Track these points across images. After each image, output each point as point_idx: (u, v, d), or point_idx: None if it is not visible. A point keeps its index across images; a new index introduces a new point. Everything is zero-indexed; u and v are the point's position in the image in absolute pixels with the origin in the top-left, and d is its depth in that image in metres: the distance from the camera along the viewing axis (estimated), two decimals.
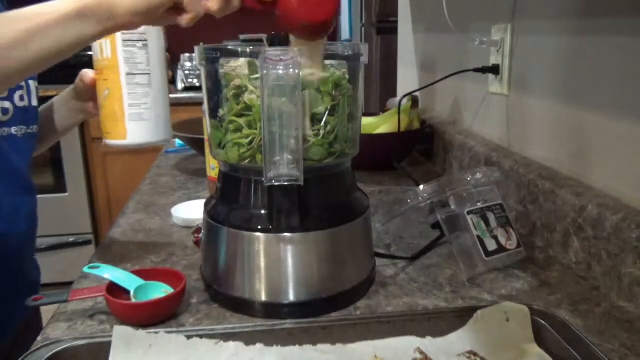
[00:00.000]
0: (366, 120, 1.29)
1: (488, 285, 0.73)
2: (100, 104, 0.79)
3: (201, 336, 0.58)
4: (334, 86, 0.64)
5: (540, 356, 0.57)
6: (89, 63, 0.79)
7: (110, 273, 0.69)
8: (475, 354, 0.59)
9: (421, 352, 0.59)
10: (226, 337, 0.59)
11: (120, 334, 0.57)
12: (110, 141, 0.81)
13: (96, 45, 0.77)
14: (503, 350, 0.58)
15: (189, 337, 0.58)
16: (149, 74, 0.78)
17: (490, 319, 0.60)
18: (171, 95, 1.04)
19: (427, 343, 0.60)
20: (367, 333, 0.60)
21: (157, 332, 0.58)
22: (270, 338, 0.59)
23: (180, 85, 2.90)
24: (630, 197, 0.73)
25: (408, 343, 0.60)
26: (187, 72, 2.89)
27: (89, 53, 0.77)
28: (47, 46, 0.58)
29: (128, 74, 0.77)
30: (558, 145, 0.90)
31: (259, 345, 0.58)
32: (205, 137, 1.02)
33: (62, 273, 2.68)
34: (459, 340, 0.60)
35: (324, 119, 0.64)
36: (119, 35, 0.76)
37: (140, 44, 0.78)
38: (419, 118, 1.32)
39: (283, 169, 0.60)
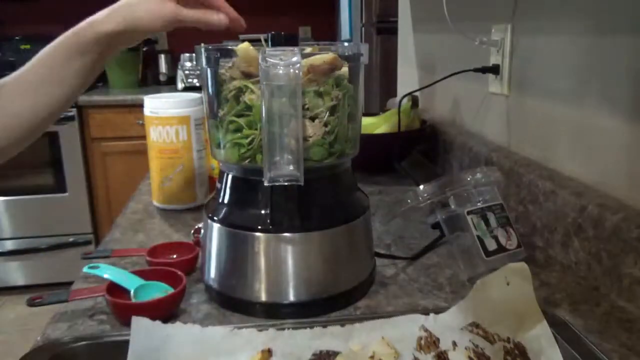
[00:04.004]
0: (366, 120, 1.29)
1: None
2: (172, 178, 1.01)
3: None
4: (334, 86, 0.64)
5: (540, 325, 0.57)
6: None
7: (110, 273, 0.69)
8: (477, 326, 0.59)
9: (425, 330, 0.60)
10: None
11: (139, 324, 0.57)
12: (182, 206, 1.03)
13: (171, 131, 0.98)
14: (503, 318, 0.59)
15: (203, 327, 0.59)
16: (204, 148, 1.03)
17: (490, 286, 0.60)
18: None
19: (431, 320, 0.61)
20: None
21: (173, 323, 0.59)
22: (270, 337, 0.59)
23: (180, 85, 2.90)
24: (629, 197, 0.73)
25: (412, 321, 0.61)
26: (187, 72, 2.89)
27: None
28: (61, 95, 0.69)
29: (198, 150, 1.02)
30: (558, 145, 0.90)
31: (271, 330, 0.59)
32: (206, 137, 1.02)
33: (62, 273, 2.68)
34: (461, 312, 0.61)
35: (324, 119, 0.64)
36: (192, 122, 0.99)
37: (200, 126, 1.02)
38: (419, 118, 1.32)
39: (283, 169, 0.60)
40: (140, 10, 0.67)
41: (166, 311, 0.65)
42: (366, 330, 0.60)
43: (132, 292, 0.67)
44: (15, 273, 2.78)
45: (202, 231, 0.73)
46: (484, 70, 1.09)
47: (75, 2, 3.14)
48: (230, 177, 0.69)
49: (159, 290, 0.68)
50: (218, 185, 0.71)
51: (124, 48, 0.72)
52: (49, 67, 0.67)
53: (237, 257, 0.67)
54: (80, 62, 0.67)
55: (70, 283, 0.76)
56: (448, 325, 0.60)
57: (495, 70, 1.08)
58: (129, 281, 0.68)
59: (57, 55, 0.67)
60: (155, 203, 1.06)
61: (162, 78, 3.15)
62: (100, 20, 0.67)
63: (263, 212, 0.65)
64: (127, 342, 0.56)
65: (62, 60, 0.67)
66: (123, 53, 2.95)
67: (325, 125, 0.64)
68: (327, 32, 3.36)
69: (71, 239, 2.77)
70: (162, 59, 3.14)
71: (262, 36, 0.67)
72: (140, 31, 0.69)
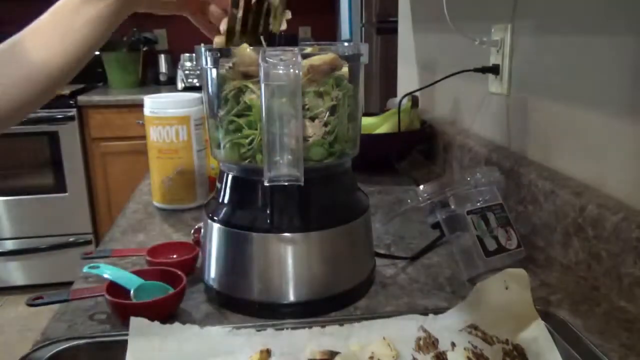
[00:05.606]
0: (366, 120, 1.29)
1: None
2: (172, 178, 1.01)
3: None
4: (334, 86, 0.64)
5: (538, 328, 0.58)
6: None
7: (110, 273, 0.69)
8: (475, 328, 0.59)
9: (424, 330, 0.60)
10: None
11: (137, 325, 0.57)
12: (182, 206, 1.03)
13: (171, 131, 0.98)
14: (502, 321, 0.59)
15: (202, 327, 0.59)
16: (204, 148, 1.04)
17: (489, 290, 0.60)
18: None
19: (430, 320, 0.61)
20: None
21: (171, 324, 0.59)
22: (269, 337, 0.59)
23: (180, 85, 2.90)
24: (629, 197, 0.73)
25: (411, 322, 0.61)
26: (187, 72, 2.89)
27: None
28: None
29: (198, 150, 1.02)
30: (558, 145, 0.90)
31: (270, 330, 0.59)
32: (206, 136, 1.02)
33: (62, 273, 2.68)
34: (460, 314, 0.61)
35: (324, 119, 0.64)
36: (192, 122, 0.99)
37: (200, 126, 1.01)
38: (419, 118, 1.32)
39: (283, 169, 0.60)
40: None
41: (166, 311, 0.65)
42: (365, 330, 0.60)
43: (132, 292, 0.67)
44: (15, 273, 2.78)
45: (202, 231, 0.73)
46: (484, 70, 1.09)
47: None
48: (230, 177, 0.69)
49: (159, 290, 0.68)
50: (218, 185, 0.71)
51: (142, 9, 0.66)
52: (60, 16, 0.59)
53: (237, 257, 0.67)
54: (92, 11, 0.59)
55: (70, 283, 0.76)
56: (447, 326, 0.60)
57: (495, 70, 1.08)
58: (129, 281, 0.68)
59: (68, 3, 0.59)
60: (155, 203, 1.06)
61: (162, 78, 3.15)
62: None
63: (263, 212, 0.65)
64: (127, 342, 0.56)
65: (70, 11, 0.59)
66: (123, 53, 2.96)
67: (325, 125, 0.64)
68: (327, 32, 3.36)
69: (71, 239, 2.77)
70: (162, 59, 3.15)
71: (261, 36, 0.67)
72: None
